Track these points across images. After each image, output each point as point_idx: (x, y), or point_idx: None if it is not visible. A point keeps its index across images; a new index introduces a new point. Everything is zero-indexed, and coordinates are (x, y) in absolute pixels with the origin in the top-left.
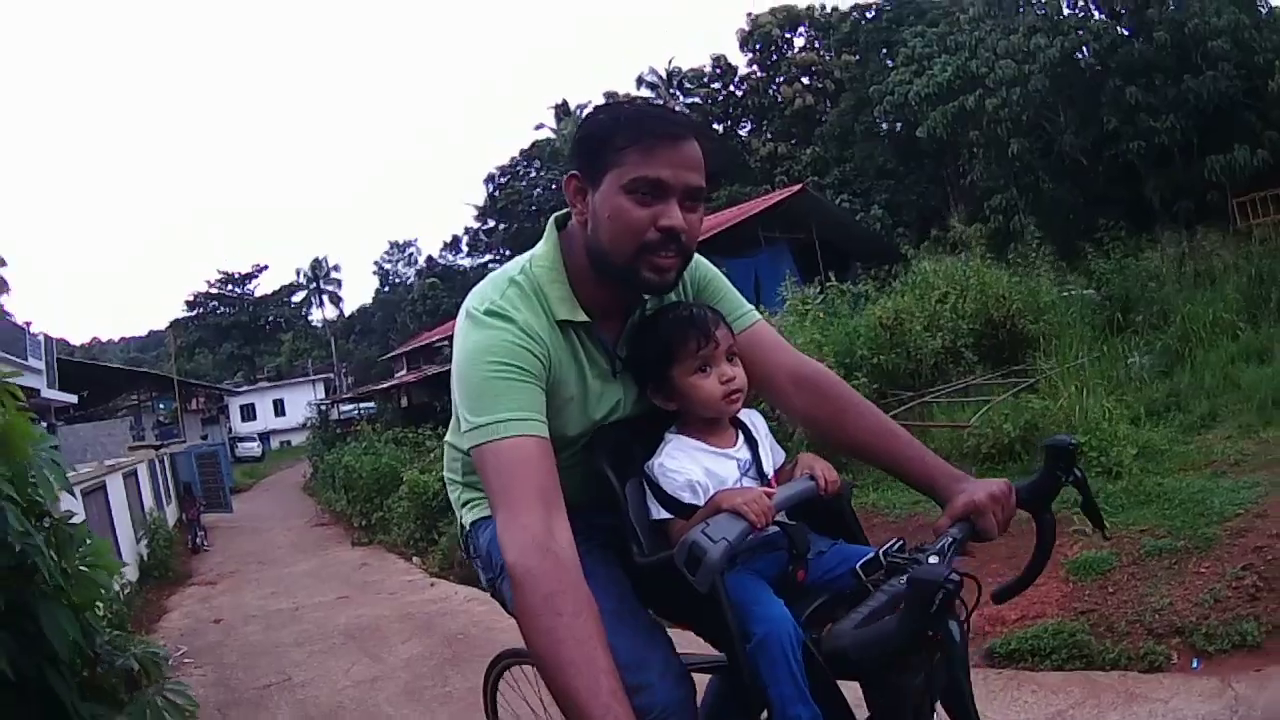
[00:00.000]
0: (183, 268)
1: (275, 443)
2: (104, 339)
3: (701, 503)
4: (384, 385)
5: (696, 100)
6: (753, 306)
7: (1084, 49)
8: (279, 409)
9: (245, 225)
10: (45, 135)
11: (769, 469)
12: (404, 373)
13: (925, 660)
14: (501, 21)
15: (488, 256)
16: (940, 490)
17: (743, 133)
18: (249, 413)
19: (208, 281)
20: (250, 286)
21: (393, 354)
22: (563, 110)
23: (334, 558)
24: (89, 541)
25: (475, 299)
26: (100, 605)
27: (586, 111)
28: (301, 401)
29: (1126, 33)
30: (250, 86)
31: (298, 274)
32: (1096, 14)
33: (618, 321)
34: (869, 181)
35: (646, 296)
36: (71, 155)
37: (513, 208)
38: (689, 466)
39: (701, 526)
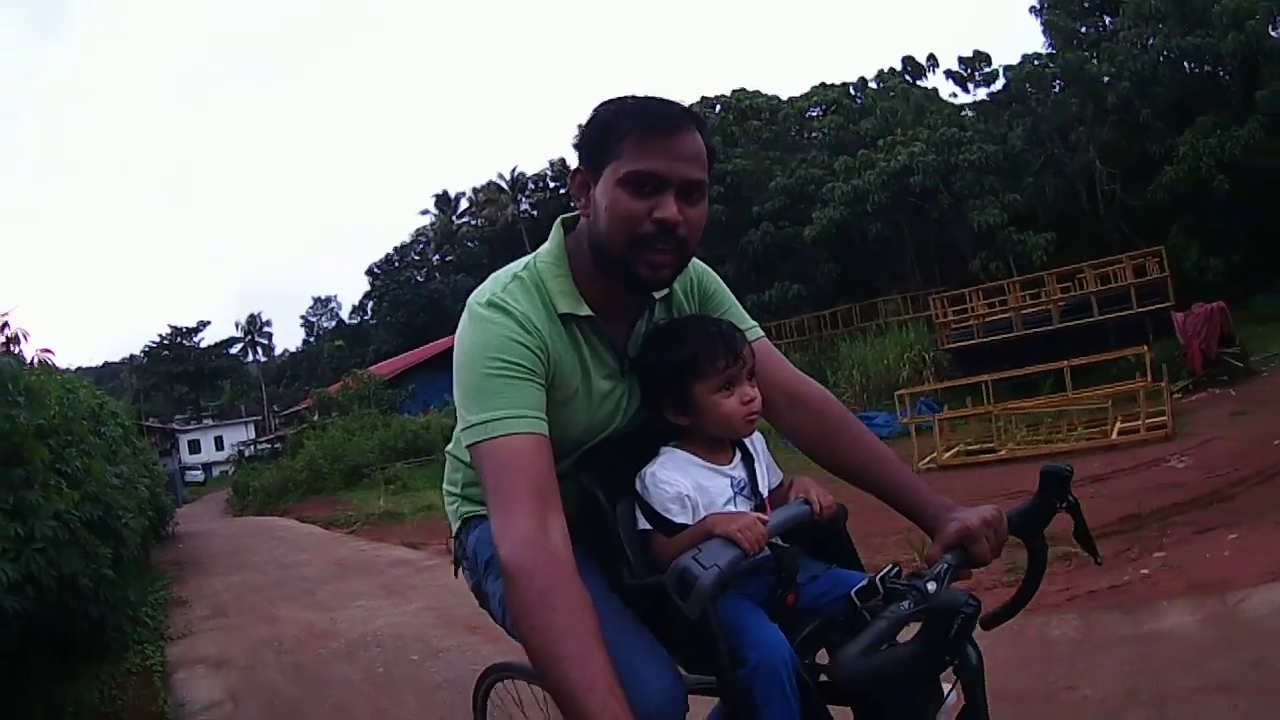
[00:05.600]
0: (123, 303)
1: (216, 472)
2: (60, 367)
3: (690, 519)
4: (288, 431)
5: (539, 200)
6: (755, 322)
7: None
8: (219, 444)
9: (178, 267)
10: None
11: (764, 489)
12: (315, 418)
13: (931, 686)
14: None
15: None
16: (931, 518)
17: None
18: (195, 446)
19: (160, 335)
20: (197, 339)
21: (307, 406)
22: (443, 200)
23: (226, 521)
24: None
25: (476, 294)
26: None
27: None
28: (237, 438)
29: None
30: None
31: (236, 326)
32: None
33: (625, 321)
34: None
35: (656, 296)
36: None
37: (383, 298)
38: (680, 479)
39: (693, 552)
